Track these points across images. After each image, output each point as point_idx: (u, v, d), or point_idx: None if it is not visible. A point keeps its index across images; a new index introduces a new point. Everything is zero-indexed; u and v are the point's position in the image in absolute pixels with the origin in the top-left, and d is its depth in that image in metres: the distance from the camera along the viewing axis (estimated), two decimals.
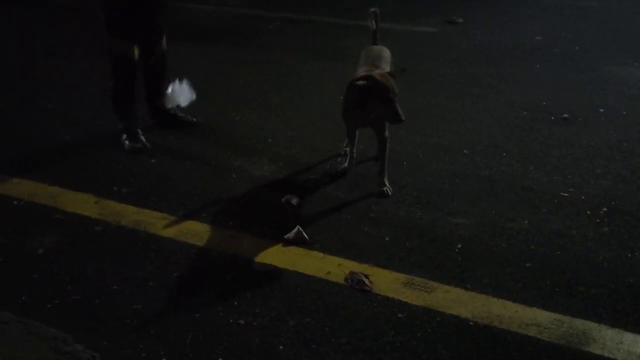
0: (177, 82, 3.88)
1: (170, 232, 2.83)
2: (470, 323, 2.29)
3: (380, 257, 2.65)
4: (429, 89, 4.63)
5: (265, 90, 4.58)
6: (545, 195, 3.13)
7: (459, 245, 2.73)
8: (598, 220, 2.92)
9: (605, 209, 3.01)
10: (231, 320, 2.31)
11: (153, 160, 3.53)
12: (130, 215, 2.98)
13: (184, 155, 3.58)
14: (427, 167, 3.42)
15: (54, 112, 4.17)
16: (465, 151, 3.61)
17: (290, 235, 2.76)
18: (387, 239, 2.78)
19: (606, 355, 2.15)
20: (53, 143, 3.77)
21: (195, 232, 2.84)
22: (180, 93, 3.87)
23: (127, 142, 3.62)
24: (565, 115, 4.08)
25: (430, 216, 2.95)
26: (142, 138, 3.65)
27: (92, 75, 4.73)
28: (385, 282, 2.50)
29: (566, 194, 3.14)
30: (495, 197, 3.13)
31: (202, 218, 2.95)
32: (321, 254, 2.67)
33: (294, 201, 3.06)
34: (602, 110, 4.19)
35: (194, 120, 3.96)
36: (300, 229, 2.77)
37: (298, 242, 2.74)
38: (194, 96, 3.92)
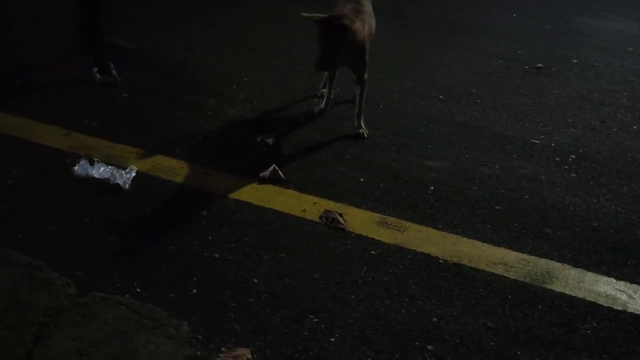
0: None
1: (143, 167, 2.80)
2: (440, 261, 2.36)
3: (355, 196, 2.68)
4: (407, 33, 4.60)
5: (243, 31, 4.49)
6: (516, 142, 3.19)
7: (432, 187, 2.78)
8: (566, 167, 2.99)
9: (573, 157, 3.08)
10: (206, 254, 2.33)
11: (125, 95, 3.45)
12: (102, 148, 2.93)
13: (157, 92, 3.51)
14: (403, 111, 3.43)
15: (21, 45, 4.03)
16: (441, 96, 3.63)
17: (266, 173, 2.77)
18: (361, 179, 2.81)
19: (568, 292, 2.24)
20: (21, 76, 3.65)
21: (169, 167, 2.82)
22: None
23: (98, 75, 3.53)
24: (539, 65, 4.12)
25: (405, 158, 2.98)
26: (114, 72, 3.56)
27: (58, 7, 4.56)
28: (360, 220, 2.54)
29: (537, 141, 3.20)
30: (468, 142, 3.17)
31: (176, 154, 2.93)
32: (296, 193, 2.69)
33: (270, 140, 3.05)
34: (575, 61, 4.23)
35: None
36: (276, 167, 2.77)
37: (273, 180, 2.74)
38: None
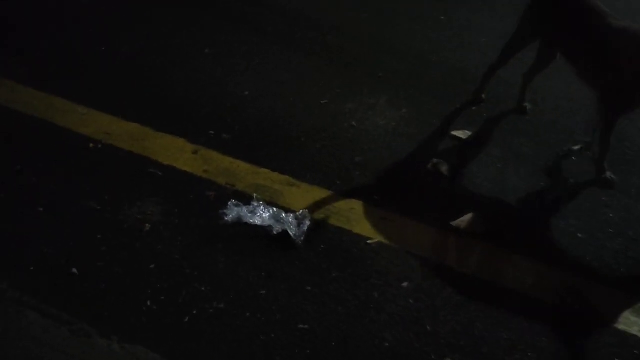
0: None
1: (301, 203, 2.23)
2: None
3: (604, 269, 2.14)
4: None
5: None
6: None
7: None
8: None
9: None
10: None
11: (247, 93, 2.84)
12: (244, 176, 2.35)
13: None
14: None
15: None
16: None
17: (461, 222, 2.21)
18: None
19: None
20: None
21: (336, 208, 2.25)
22: None
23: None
24: None
25: None
26: None
27: None
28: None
29: None
30: None
31: (335, 186, 2.35)
32: (524, 261, 2.14)
33: (444, 169, 2.48)
34: None
35: None
36: (476, 215, 2.22)
37: (472, 232, 2.19)
38: None
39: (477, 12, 3.48)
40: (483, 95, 2.83)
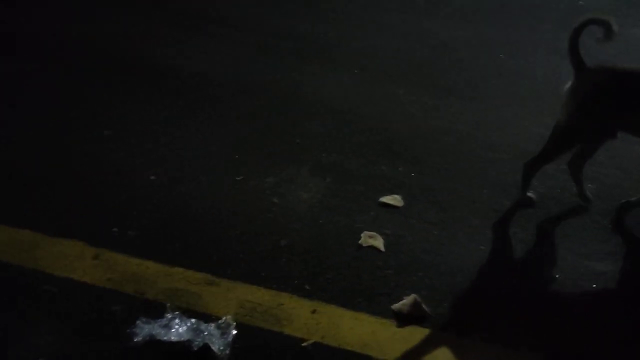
0: None
1: (228, 309, 1.96)
2: None
3: None
4: None
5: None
6: None
7: None
8: None
9: None
10: None
11: (154, 177, 2.56)
12: (155, 279, 2.06)
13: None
14: None
15: None
16: None
17: (403, 306, 2.00)
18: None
19: None
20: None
21: (264, 307, 1.99)
22: None
23: None
24: None
25: None
26: None
27: None
28: None
29: None
30: None
31: (262, 280, 2.10)
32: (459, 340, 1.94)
33: (377, 242, 2.27)
34: None
35: None
36: (417, 298, 2.01)
37: (416, 318, 1.97)
38: None
39: None
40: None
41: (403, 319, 1.97)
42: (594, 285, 2.13)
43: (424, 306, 1.99)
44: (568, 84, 2.28)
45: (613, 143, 2.40)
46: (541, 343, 1.91)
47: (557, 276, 2.16)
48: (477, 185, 2.57)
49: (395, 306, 2.00)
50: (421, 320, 1.96)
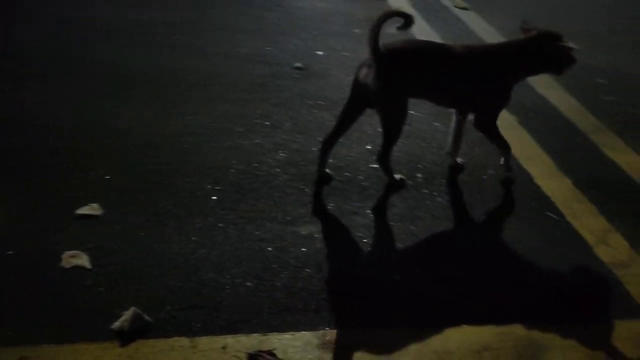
0: None
1: None
2: None
3: None
4: None
5: None
6: None
7: None
8: None
9: None
10: None
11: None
12: None
13: None
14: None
15: None
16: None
17: (125, 322, 1.85)
18: None
19: None
20: None
21: None
22: None
23: None
24: (298, 65, 3.80)
25: None
26: None
27: None
28: None
29: None
30: None
31: None
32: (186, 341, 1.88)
33: (82, 260, 2.06)
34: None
35: None
36: (136, 309, 1.88)
37: (137, 330, 1.85)
38: None
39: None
40: None
41: (126, 336, 1.84)
42: (303, 249, 2.27)
43: (145, 316, 1.88)
44: (365, 70, 2.45)
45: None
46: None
47: (267, 248, 2.25)
48: (181, 175, 2.53)
49: (116, 325, 1.85)
50: (144, 332, 1.86)
